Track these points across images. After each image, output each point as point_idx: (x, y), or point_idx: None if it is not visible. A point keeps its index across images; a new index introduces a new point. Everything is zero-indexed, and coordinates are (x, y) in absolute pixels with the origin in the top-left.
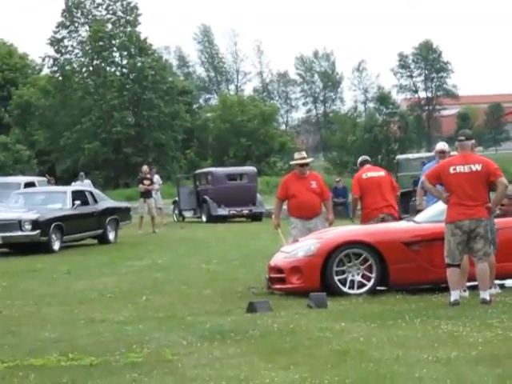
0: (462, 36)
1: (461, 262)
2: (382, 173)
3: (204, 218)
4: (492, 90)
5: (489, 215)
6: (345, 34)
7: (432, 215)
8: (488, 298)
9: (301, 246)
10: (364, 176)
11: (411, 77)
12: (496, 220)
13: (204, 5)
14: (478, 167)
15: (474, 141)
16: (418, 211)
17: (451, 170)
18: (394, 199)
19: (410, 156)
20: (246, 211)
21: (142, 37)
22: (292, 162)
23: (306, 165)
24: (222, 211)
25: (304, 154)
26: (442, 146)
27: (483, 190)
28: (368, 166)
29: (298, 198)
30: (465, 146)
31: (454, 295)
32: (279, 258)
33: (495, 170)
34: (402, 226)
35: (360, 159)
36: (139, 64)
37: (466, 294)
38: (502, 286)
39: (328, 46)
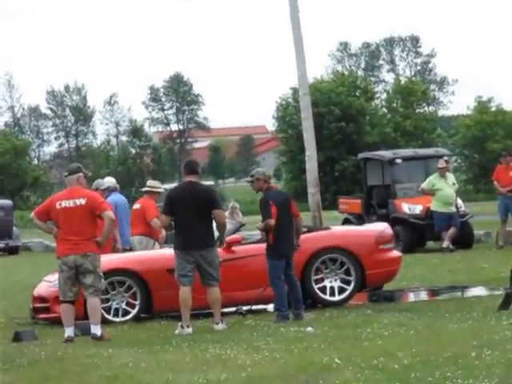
0: (211, 68)
1: (74, 298)
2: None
3: None
4: (242, 122)
5: (97, 249)
6: (96, 67)
7: None
8: (99, 333)
9: None
10: None
11: (163, 110)
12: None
13: None
14: (82, 201)
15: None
16: None
17: (57, 206)
18: None
19: (168, 186)
20: (3, 245)
21: None
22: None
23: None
24: None
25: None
26: None
27: (89, 225)
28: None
29: None
30: (70, 180)
31: (68, 331)
32: (43, 288)
33: (100, 204)
34: (167, 254)
35: None
36: None
37: (190, 330)
38: (265, 311)
39: (79, 80)
